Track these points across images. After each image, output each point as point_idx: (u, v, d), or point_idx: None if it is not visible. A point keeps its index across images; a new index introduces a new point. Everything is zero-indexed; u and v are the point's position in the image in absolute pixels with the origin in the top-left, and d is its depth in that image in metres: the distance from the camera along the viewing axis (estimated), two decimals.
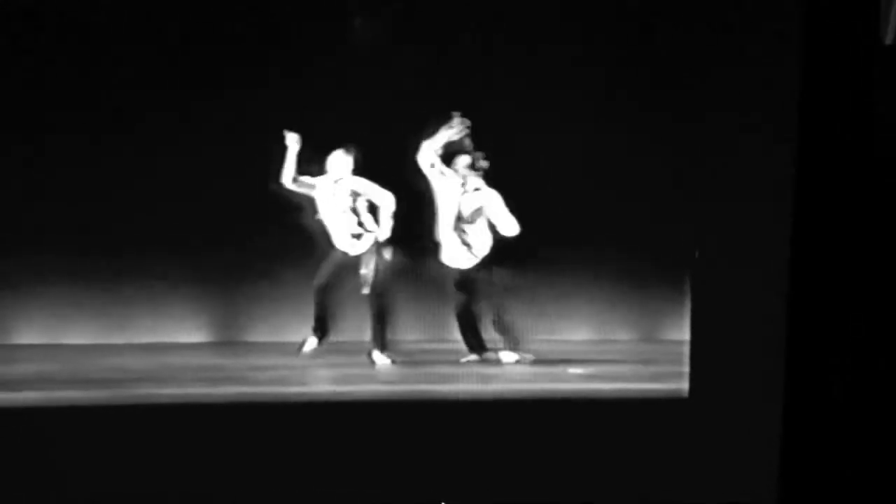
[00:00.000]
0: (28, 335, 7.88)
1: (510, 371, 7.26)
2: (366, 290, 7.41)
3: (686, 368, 6.26)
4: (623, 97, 7.28)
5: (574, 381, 6.99)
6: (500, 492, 6.22)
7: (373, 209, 7.51)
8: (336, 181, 7.43)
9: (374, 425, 6.36)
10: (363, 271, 7.42)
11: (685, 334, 6.33)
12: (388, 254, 7.44)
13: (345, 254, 7.46)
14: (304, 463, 6.28)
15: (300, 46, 7.31)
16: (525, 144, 7.42)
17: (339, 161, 7.41)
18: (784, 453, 6.13)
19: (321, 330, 7.42)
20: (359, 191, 7.43)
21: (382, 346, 7.37)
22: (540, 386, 6.89)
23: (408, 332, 7.56)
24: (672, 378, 6.34)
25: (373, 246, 7.44)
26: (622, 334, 7.96)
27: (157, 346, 7.84)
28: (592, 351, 7.71)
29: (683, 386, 6.29)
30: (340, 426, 6.35)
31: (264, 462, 6.29)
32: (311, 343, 7.42)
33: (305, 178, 7.39)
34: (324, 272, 7.41)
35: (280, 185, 7.34)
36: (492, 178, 7.50)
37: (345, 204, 7.46)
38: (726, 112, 6.17)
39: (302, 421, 6.36)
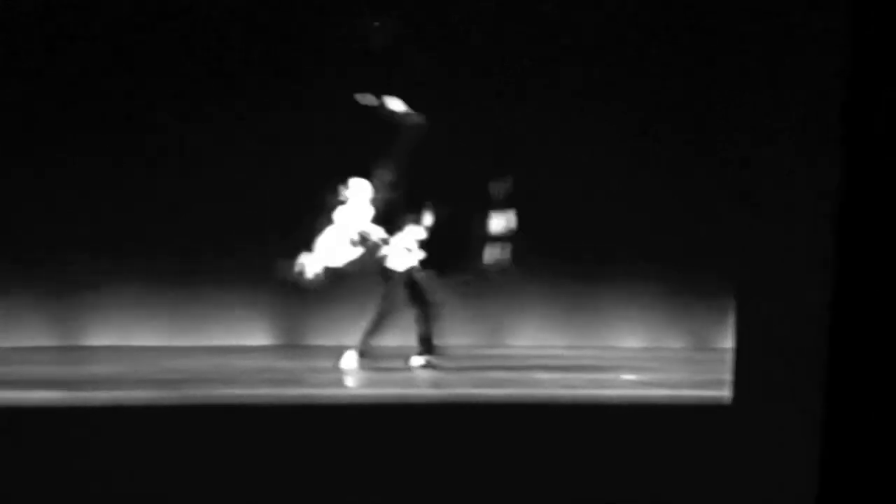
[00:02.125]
0: (101, 337, 8.06)
1: (561, 378, 7.30)
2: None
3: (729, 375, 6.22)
4: (670, 116, 7.37)
5: (622, 386, 7.03)
6: (549, 494, 6.22)
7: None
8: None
9: (431, 427, 6.36)
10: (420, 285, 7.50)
11: None
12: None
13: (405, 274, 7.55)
14: (362, 462, 6.25)
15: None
16: (571, 163, 7.53)
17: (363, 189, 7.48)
18: (824, 461, 6.03)
19: (429, 348, 7.49)
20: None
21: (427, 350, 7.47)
22: (588, 392, 6.94)
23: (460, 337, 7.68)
24: (719, 385, 6.34)
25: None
26: (674, 342, 8.03)
27: (224, 349, 8.00)
28: (645, 358, 7.78)
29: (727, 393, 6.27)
30: (397, 428, 6.36)
31: (324, 461, 6.26)
32: (418, 360, 7.48)
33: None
34: (396, 296, 7.50)
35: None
36: (550, 199, 7.57)
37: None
38: (770, 122, 6.11)
39: (357, 422, 6.40)
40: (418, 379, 7.19)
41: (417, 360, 7.44)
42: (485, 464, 6.23)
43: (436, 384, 7.10)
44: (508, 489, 6.22)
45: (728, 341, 6.35)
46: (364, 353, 7.40)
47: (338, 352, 7.51)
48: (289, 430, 6.35)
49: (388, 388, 7.00)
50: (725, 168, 6.67)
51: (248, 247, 7.77)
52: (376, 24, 7.26)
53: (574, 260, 7.73)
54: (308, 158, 7.62)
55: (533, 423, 6.34)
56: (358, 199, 7.43)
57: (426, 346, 7.45)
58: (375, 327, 7.41)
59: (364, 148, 7.35)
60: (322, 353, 7.76)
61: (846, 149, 5.93)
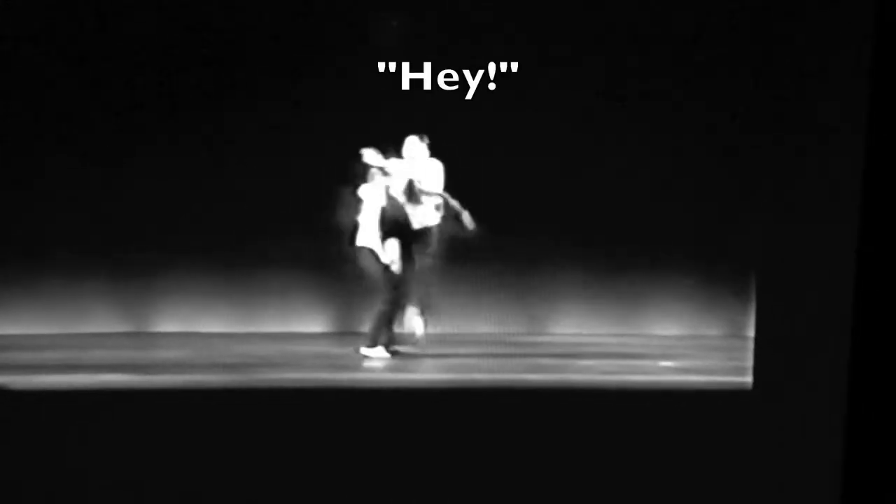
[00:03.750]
0: (167, 324, 8.24)
1: (594, 364, 7.47)
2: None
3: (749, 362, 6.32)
4: (693, 106, 7.38)
5: (655, 373, 7.17)
6: (580, 476, 6.44)
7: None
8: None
9: (475, 412, 6.56)
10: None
11: None
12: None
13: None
14: (419, 445, 6.52)
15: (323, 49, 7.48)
16: (600, 153, 7.61)
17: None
18: (848, 446, 6.12)
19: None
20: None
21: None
22: (626, 378, 7.07)
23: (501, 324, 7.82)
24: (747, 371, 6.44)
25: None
26: (711, 330, 8.11)
27: (283, 336, 8.14)
28: (681, 346, 7.90)
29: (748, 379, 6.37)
30: (445, 413, 6.57)
31: (374, 442, 6.53)
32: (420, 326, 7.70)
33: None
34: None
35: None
36: (582, 188, 7.70)
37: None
38: (794, 113, 6.14)
39: (408, 406, 6.62)
40: (460, 365, 7.32)
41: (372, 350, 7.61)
42: (526, 447, 6.47)
43: (478, 370, 7.22)
44: (546, 471, 6.46)
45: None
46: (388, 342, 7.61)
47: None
48: (349, 412, 6.55)
49: (437, 374, 7.23)
50: (750, 160, 6.71)
51: (304, 233, 7.83)
52: (393, 22, 7.33)
53: (613, 251, 7.86)
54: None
55: (570, 408, 6.50)
56: (383, 169, 7.61)
57: (388, 335, 7.61)
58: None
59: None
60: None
61: (871, 138, 6.01)
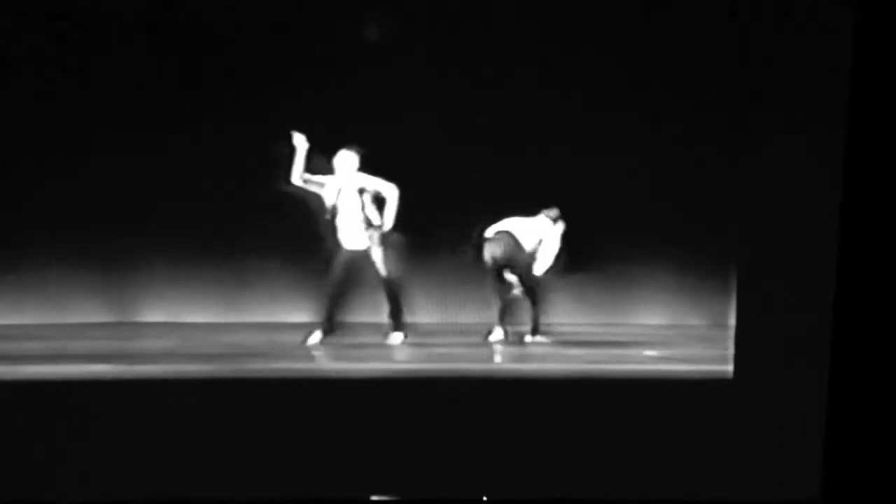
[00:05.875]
0: (153, 314, 8.14)
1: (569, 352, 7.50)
2: (383, 273, 7.76)
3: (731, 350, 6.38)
4: (675, 94, 7.35)
5: (640, 361, 7.20)
6: (558, 468, 6.53)
7: (378, 203, 7.78)
8: (343, 180, 7.72)
9: (466, 401, 6.71)
10: (377, 265, 7.77)
11: None
12: (394, 242, 7.74)
13: (353, 252, 7.78)
14: (418, 434, 6.65)
15: (301, 43, 7.45)
16: (584, 146, 7.60)
17: (346, 160, 7.69)
18: (828, 437, 6.20)
19: (329, 326, 7.71)
20: (365, 187, 7.73)
21: (398, 327, 7.66)
22: (612, 367, 7.11)
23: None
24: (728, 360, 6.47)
25: (379, 238, 7.77)
26: (695, 320, 7.98)
27: (271, 326, 8.07)
28: (663, 335, 7.86)
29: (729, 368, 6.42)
30: (438, 401, 6.71)
31: (365, 432, 6.66)
32: (317, 336, 7.71)
33: (315, 177, 7.69)
34: (336, 272, 7.72)
35: (289, 185, 7.62)
36: (566, 180, 7.69)
37: (352, 202, 7.77)
38: (774, 103, 6.23)
39: (395, 395, 6.72)
40: (449, 354, 7.33)
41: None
42: (512, 436, 6.59)
43: (468, 359, 7.26)
44: (531, 460, 6.57)
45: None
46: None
47: (375, 328, 7.70)
48: (344, 401, 6.65)
49: (424, 364, 7.21)
50: (732, 149, 6.76)
51: (293, 224, 7.86)
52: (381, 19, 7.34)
53: (602, 243, 7.84)
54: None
55: (555, 397, 6.60)
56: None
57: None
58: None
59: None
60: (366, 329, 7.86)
61: (851, 128, 6.12)
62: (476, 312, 7.76)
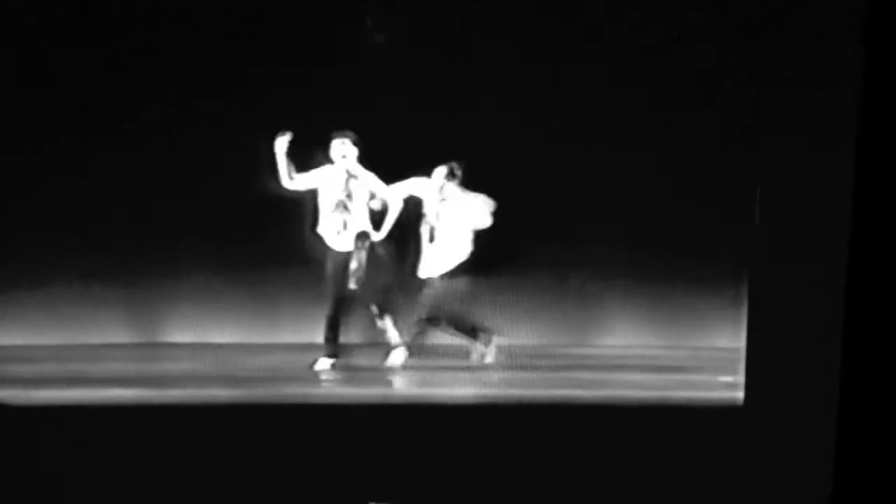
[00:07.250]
0: (177, 334, 7.98)
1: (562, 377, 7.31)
2: (352, 286, 7.54)
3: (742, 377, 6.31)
4: (679, 98, 7.18)
5: (629, 387, 7.08)
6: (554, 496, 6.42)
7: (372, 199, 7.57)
8: (341, 171, 7.52)
9: (504, 428, 6.58)
10: (352, 266, 7.52)
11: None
12: (382, 252, 7.54)
13: (342, 254, 7.56)
14: (419, 460, 6.53)
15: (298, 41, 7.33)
16: (577, 146, 7.40)
17: (343, 149, 7.47)
18: (838, 462, 6.14)
19: (333, 342, 7.59)
20: (371, 190, 7.51)
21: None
22: (594, 393, 6.97)
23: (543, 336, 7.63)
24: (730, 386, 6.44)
25: (365, 244, 7.51)
26: (685, 341, 7.79)
27: (299, 346, 7.88)
28: (658, 357, 7.66)
29: (739, 394, 6.35)
30: (469, 428, 6.59)
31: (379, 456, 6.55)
32: (325, 363, 7.56)
33: (304, 175, 7.49)
34: (333, 278, 7.56)
35: (281, 188, 7.46)
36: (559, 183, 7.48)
37: (352, 199, 7.55)
38: (784, 116, 6.12)
39: (432, 422, 6.61)
40: (492, 379, 7.21)
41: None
42: (528, 461, 6.52)
43: (511, 384, 7.12)
44: (546, 484, 6.48)
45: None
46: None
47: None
48: (369, 427, 6.59)
49: (459, 388, 7.08)
50: (740, 160, 6.63)
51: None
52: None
53: (660, 259, 7.59)
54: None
55: (564, 422, 6.57)
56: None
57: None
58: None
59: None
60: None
61: (860, 148, 5.99)
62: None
